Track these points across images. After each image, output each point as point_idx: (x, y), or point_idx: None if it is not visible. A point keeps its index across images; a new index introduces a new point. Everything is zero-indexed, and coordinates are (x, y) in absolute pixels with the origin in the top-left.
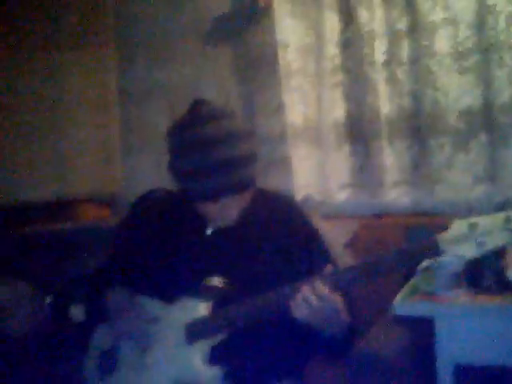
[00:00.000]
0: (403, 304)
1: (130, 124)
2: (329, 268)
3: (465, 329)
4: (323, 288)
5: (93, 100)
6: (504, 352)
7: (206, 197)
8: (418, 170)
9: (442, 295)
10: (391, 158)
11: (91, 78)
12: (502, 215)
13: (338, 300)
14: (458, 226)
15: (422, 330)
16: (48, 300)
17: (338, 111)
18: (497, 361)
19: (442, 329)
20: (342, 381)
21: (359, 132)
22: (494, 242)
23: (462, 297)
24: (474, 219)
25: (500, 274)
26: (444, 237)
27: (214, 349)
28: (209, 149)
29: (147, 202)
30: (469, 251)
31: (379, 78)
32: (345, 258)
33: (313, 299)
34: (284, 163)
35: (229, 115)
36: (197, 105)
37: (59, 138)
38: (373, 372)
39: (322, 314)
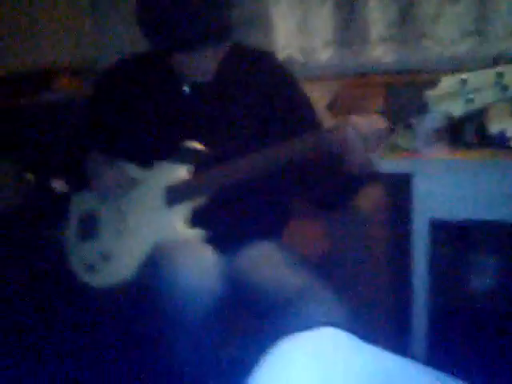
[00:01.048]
0: (382, 161)
1: None
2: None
3: (443, 184)
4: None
5: None
6: (479, 207)
7: (180, 48)
8: (405, 24)
9: (422, 151)
10: (377, 12)
11: None
12: (491, 71)
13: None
14: (447, 83)
15: (400, 187)
16: (30, 175)
17: None
18: (472, 215)
19: (419, 184)
20: (322, 237)
21: None
22: (482, 99)
23: (441, 152)
24: (463, 75)
25: (482, 128)
26: (432, 94)
27: (195, 211)
28: None
29: (120, 65)
30: (456, 109)
31: None
32: (326, 120)
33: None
34: (263, 21)
35: None
36: None
37: (31, 6)
38: (351, 227)
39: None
